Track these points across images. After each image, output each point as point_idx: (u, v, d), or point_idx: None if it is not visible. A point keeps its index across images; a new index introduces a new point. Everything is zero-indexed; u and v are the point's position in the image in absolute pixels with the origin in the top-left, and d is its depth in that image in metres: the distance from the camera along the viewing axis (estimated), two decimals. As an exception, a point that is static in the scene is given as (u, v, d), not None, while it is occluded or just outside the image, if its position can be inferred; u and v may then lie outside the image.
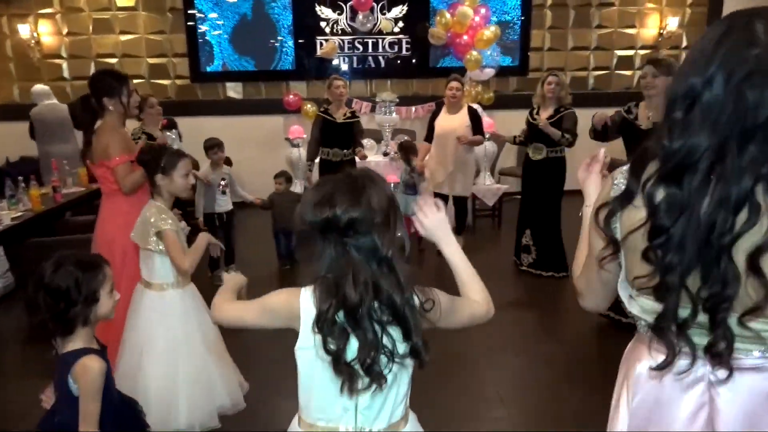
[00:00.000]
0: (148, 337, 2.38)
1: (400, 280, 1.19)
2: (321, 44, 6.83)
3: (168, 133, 3.03)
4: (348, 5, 6.72)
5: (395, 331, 1.21)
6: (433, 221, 1.35)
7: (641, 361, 1.10)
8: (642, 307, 1.07)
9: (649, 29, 7.26)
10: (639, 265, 1.01)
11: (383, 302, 1.19)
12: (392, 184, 5.62)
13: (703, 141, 0.92)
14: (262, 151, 6.86)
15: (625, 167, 1.06)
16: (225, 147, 4.48)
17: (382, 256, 1.18)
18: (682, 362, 1.01)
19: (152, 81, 6.85)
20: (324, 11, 6.76)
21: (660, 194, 0.95)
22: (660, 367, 1.01)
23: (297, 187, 6.33)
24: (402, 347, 1.22)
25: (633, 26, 7.24)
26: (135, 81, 4.25)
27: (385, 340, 1.20)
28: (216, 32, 6.78)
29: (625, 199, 1.01)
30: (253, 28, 6.80)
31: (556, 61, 7.24)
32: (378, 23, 6.73)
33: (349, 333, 1.19)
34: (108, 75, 2.95)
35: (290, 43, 6.88)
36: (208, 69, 6.86)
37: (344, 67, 6.91)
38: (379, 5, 6.68)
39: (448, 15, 6.25)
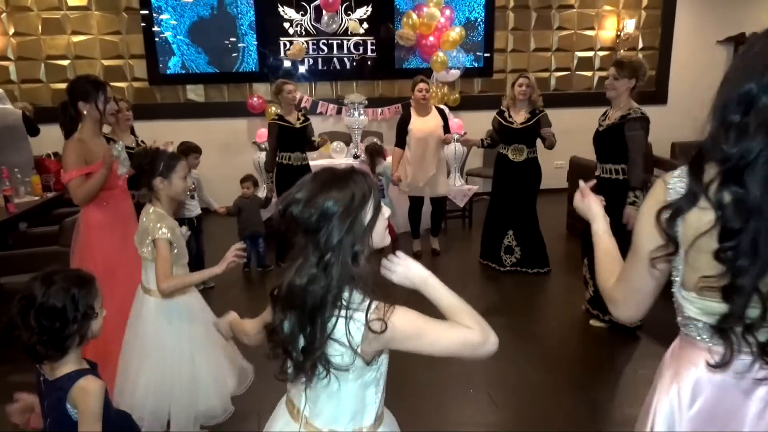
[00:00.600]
0: (150, 343, 2.34)
1: (333, 280, 1.18)
2: (285, 45, 6.70)
3: (116, 146, 2.85)
4: (312, 6, 6.62)
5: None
6: (402, 271, 1.33)
7: (697, 366, 1.10)
8: (703, 309, 1.07)
9: (607, 31, 7.44)
10: (707, 265, 1.02)
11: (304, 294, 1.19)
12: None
13: (759, 144, 0.93)
14: (226, 156, 6.69)
15: (677, 171, 1.10)
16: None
17: (343, 252, 1.18)
18: (741, 362, 1.02)
19: (108, 83, 6.54)
20: (287, 12, 6.64)
21: (727, 197, 0.96)
22: (719, 364, 1.02)
23: (263, 192, 6.20)
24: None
25: (592, 28, 7.41)
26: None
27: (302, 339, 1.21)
28: (173, 33, 6.55)
29: (689, 201, 1.03)
30: (214, 29, 6.61)
31: (519, 63, 7.34)
32: (343, 24, 6.65)
33: (286, 313, 1.23)
34: (84, 80, 2.84)
35: (253, 44, 6.72)
36: (167, 71, 6.62)
37: (301, 69, 6.80)
38: (344, 6, 6.60)
39: (414, 16, 6.23)
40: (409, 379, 3.03)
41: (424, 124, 4.94)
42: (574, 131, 5.77)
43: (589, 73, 7.53)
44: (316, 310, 1.17)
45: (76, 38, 6.48)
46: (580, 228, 5.42)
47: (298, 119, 4.85)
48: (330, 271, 1.17)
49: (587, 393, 3.06)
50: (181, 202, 4.24)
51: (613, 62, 3.64)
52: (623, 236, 3.65)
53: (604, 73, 7.49)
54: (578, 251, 4.85)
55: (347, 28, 6.72)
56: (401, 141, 5.03)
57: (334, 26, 6.38)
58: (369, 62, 6.93)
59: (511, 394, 3.07)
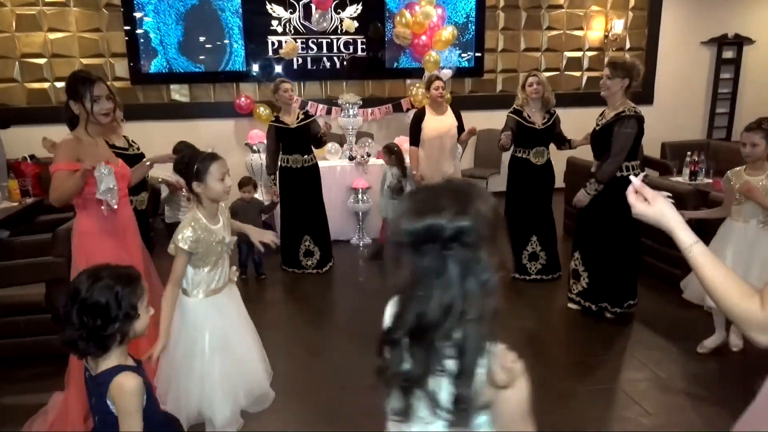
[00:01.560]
0: (187, 342, 2.33)
1: (486, 312, 1.02)
2: (273, 44, 6.52)
3: (100, 167, 2.59)
4: (300, 3, 6.45)
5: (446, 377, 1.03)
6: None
7: None
8: None
9: (596, 31, 7.46)
10: None
11: (457, 331, 1.02)
12: (360, 190, 5.43)
13: None
14: None
15: None
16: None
17: (483, 277, 1.02)
18: None
19: (100, 79, 6.25)
20: (276, 9, 6.45)
21: None
22: None
23: (259, 195, 6.00)
24: (445, 394, 1.03)
25: (581, 28, 7.41)
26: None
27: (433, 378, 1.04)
28: (156, 31, 6.30)
29: None
30: (199, 27, 6.38)
31: (510, 63, 7.30)
32: (333, 23, 6.49)
33: (407, 352, 1.05)
34: (74, 77, 2.62)
35: (240, 43, 6.51)
36: (150, 70, 6.36)
37: (278, 68, 6.63)
38: (333, 4, 6.44)
39: (408, 15, 6.12)
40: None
41: (439, 123, 4.80)
42: (564, 131, 5.70)
43: (577, 74, 7.54)
44: (463, 346, 1.02)
45: (53, 35, 6.17)
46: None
47: (298, 119, 4.69)
48: (489, 293, 1.02)
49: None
50: (176, 204, 4.07)
51: (606, 62, 3.67)
52: (635, 234, 3.42)
53: (592, 74, 7.52)
54: None
55: (337, 27, 6.58)
56: (416, 139, 4.85)
57: (324, 24, 6.22)
58: (359, 61, 6.79)
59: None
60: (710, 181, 5.49)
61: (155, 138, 4.58)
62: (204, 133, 6.40)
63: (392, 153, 5.01)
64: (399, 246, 1.07)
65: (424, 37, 6.32)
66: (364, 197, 5.41)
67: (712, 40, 7.79)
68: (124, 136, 3.57)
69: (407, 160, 5.05)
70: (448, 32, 6.31)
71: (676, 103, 7.83)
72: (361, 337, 3.63)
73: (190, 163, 2.27)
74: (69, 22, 6.18)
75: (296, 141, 4.66)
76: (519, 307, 4.15)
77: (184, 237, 2.26)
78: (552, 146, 4.55)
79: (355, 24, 6.54)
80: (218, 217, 2.40)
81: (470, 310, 1.02)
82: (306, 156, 4.74)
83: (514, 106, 4.52)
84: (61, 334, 1.52)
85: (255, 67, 6.56)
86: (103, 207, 2.57)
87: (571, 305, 4.05)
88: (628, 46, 7.56)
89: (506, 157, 7.03)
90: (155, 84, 6.45)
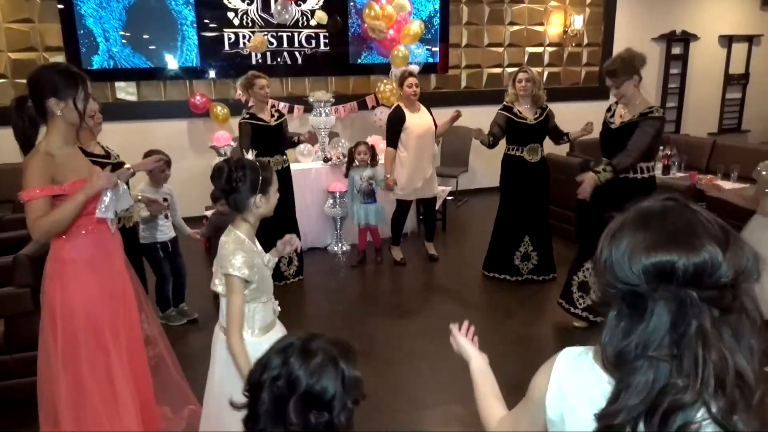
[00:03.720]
0: (231, 389, 1.81)
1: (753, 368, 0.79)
2: (229, 38, 6.04)
3: (119, 188, 2.19)
4: (260, -6, 6.01)
5: None
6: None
7: None
8: None
9: (555, 27, 7.45)
10: None
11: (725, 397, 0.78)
12: (337, 194, 5.10)
13: None
14: None
15: None
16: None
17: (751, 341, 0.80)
18: None
19: (17, 81, 5.55)
20: (232, 1, 5.97)
21: None
22: None
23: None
24: None
25: (541, 24, 7.38)
26: None
27: None
28: (98, 22, 5.67)
29: None
30: (148, 18, 5.80)
31: (474, 58, 7.16)
32: (295, 15, 6.08)
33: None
34: (56, 70, 2.12)
35: (193, 36, 5.98)
36: (92, 66, 5.72)
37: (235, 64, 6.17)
38: (295, -6, 6.05)
39: (377, 7, 5.82)
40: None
41: (420, 120, 4.59)
42: None
43: (539, 69, 7.49)
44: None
45: (-26, 27, 5.42)
46: (567, 228, 5.38)
47: (272, 116, 4.31)
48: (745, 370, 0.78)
49: None
50: (152, 222, 3.59)
51: (604, 72, 3.38)
52: None
53: (553, 69, 7.52)
54: (565, 252, 4.80)
55: (297, 20, 6.18)
56: (394, 141, 4.61)
57: (286, 16, 5.80)
58: (321, 57, 6.43)
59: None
60: (684, 174, 5.58)
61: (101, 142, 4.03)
62: (155, 136, 5.84)
63: (368, 151, 4.70)
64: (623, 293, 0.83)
65: (391, 31, 6.05)
66: (342, 201, 5.08)
67: (661, 37, 8.00)
68: (98, 142, 3.07)
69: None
70: (416, 26, 6.08)
71: (630, 98, 7.98)
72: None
73: (252, 173, 1.87)
74: (-7, 12, 5.45)
75: (274, 140, 4.30)
76: (515, 310, 4.01)
77: (238, 264, 1.83)
78: (548, 143, 4.42)
79: (326, 16, 6.14)
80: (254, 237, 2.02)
81: (744, 369, 0.78)
82: (283, 157, 4.40)
83: (505, 102, 4.38)
84: None
85: (210, 63, 6.06)
86: (111, 217, 2.21)
87: (577, 323, 3.67)
88: (585, 42, 7.61)
89: (477, 154, 6.95)
90: (98, 81, 5.78)
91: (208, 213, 5.11)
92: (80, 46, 5.64)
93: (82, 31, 5.62)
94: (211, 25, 5.99)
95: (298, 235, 4.51)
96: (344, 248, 5.24)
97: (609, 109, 3.54)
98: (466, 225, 6.26)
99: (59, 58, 5.65)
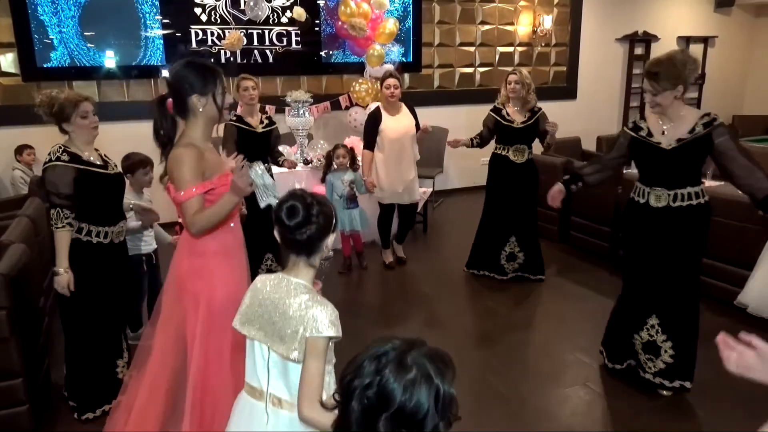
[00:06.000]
0: None
1: None
2: (197, 35, 5.74)
3: (255, 167, 2.10)
4: (228, -11, 5.74)
5: None
6: None
7: None
8: None
9: (525, 26, 7.48)
10: None
11: None
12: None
13: None
14: None
15: None
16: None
17: None
18: None
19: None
20: (199, -4, 5.69)
21: None
22: None
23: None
24: None
25: (512, 23, 7.39)
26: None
27: None
28: (55, 16, 5.26)
29: None
30: (109, 13, 5.43)
31: (446, 58, 7.09)
32: (266, 12, 5.83)
33: None
34: (196, 66, 2.10)
35: (158, 32, 5.65)
36: (47, 64, 5.31)
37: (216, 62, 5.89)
38: (265, -10, 5.80)
39: (352, 4, 5.65)
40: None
41: (397, 124, 4.45)
42: None
43: (509, 69, 7.48)
44: None
45: None
46: (550, 229, 5.35)
47: (261, 122, 4.09)
48: None
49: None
50: (139, 238, 3.33)
51: (644, 71, 2.74)
52: (701, 249, 2.83)
53: (524, 69, 7.53)
54: (549, 252, 4.73)
55: (269, 17, 5.94)
56: (371, 142, 4.48)
57: (259, 13, 5.56)
58: (292, 55, 6.21)
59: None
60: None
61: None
62: (118, 138, 5.46)
63: (348, 153, 4.52)
64: None
65: (367, 30, 5.90)
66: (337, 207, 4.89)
67: (625, 37, 8.16)
68: (96, 149, 2.77)
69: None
70: (391, 24, 5.95)
71: (595, 97, 8.12)
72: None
73: (323, 209, 1.57)
74: (-65, 4, 4.98)
75: (260, 148, 4.06)
76: (508, 310, 3.95)
77: (327, 322, 1.50)
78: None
79: (287, 13, 5.92)
80: None
81: None
82: (268, 165, 4.18)
83: (495, 103, 4.36)
84: None
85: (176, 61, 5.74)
86: (272, 202, 2.14)
87: (663, 392, 2.92)
88: (554, 41, 7.67)
89: (450, 155, 6.89)
90: (54, 80, 5.39)
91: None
92: (35, 43, 5.22)
93: (35, 25, 5.20)
94: (177, 22, 5.67)
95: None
96: (327, 254, 5.04)
97: (635, 128, 2.84)
98: (445, 226, 6.17)
99: (11, 55, 5.23)
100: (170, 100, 2.10)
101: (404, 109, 4.56)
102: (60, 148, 2.58)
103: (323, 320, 1.49)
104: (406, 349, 0.98)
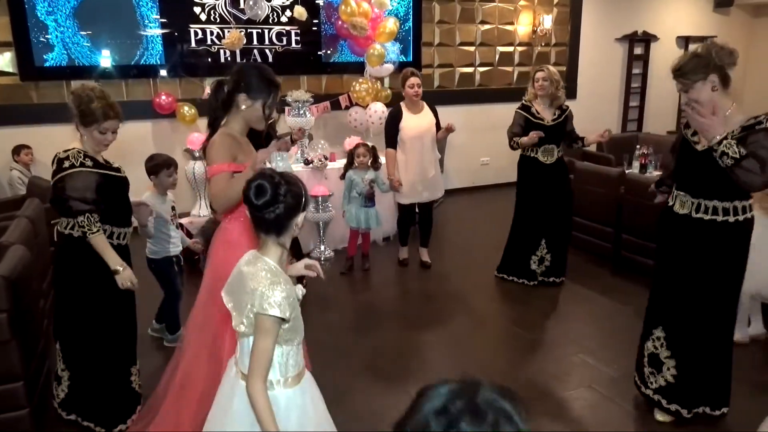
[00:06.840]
0: None
1: None
2: (196, 34, 5.71)
3: (276, 157, 2.15)
4: (228, -12, 5.70)
5: None
6: None
7: None
8: None
9: (524, 26, 7.47)
10: None
11: None
12: (320, 198, 4.88)
13: None
14: (129, 167, 5.35)
15: None
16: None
17: None
18: None
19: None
20: (198, -5, 5.65)
21: None
22: None
23: (203, 208, 5.21)
24: None
25: (512, 23, 7.37)
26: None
27: None
28: (53, 15, 5.22)
29: None
30: (108, 12, 5.39)
31: (446, 57, 7.08)
32: (266, 11, 5.80)
33: None
34: (260, 73, 2.30)
35: (157, 31, 5.61)
36: (46, 63, 5.27)
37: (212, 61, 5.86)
38: (265, -11, 5.77)
39: (353, 3, 5.63)
40: None
41: (418, 122, 4.42)
42: (499, 127, 5.49)
43: (509, 69, 7.51)
44: None
45: None
46: (587, 240, 5.16)
47: None
48: None
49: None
50: (164, 234, 3.29)
51: (672, 70, 2.47)
52: (729, 274, 2.55)
53: (523, 69, 7.53)
54: (575, 262, 4.68)
55: (268, 16, 5.91)
56: (393, 141, 4.45)
57: (258, 12, 5.52)
58: (292, 55, 6.18)
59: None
60: (659, 173, 5.66)
61: (56, 147, 3.63)
62: (118, 138, 5.43)
63: (370, 152, 4.51)
64: None
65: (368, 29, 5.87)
66: (325, 205, 4.87)
67: (624, 37, 8.16)
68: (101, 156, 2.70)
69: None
70: (392, 23, 5.92)
71: (595, 97, 8.11)
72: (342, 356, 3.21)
73: (292, 188, 1.61)
74: (-69, 3, 4.93)
75: (263, 144, 4.03)
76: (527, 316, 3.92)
77: (278, 301, 1.51)
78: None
79: (287, 13, 5.89)
80: None
81: None
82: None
83: (523, 101, 4.26)
84: None
85: (175, 61, 5.71)
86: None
87: (661, 418, 2.71)
88: (554, 41, 7.66)
89: (451, 155, 6.88)
90: (53, 80, 5.35)
91: (184, 221, 4.81)
92: (33, 42, 5.17)
93: (34, 23, 5.16)
94: (176, 21, 5.64)
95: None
96: (328, 254, 5.03)
97: (686, 125, 2.60)
98: (449, 227, 6.14)
99: (9, 54, 5.19)
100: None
101: (426, 108, 4.54)
102: (80, 152, 2.45)
103: (272, 299, 1.51)
104: (471, 391, 0.82)
